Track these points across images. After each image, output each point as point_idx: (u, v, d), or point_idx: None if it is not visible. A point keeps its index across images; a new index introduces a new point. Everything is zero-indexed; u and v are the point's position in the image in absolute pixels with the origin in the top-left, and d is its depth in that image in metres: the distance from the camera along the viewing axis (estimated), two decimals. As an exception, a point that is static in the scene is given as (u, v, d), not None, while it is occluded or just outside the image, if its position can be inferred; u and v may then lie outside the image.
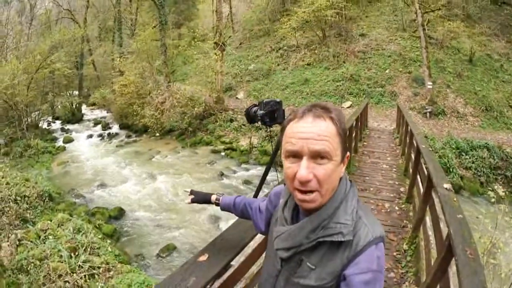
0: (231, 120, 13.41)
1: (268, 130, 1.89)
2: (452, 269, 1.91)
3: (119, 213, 7.71)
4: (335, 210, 0.76)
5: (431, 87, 12.84)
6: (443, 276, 2.03)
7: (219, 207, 1.34)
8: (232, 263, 1.46)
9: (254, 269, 1.88)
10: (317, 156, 0.72)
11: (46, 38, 20.97)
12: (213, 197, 1.33)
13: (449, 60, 14.87)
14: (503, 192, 9.22)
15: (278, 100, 1.88)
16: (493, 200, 6.23)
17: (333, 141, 0.72)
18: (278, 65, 16.92)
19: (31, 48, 20.48)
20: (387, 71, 14.74)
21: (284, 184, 0.96)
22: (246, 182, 9.87)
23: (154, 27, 16.38)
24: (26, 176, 8.44)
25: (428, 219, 3.21)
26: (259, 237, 1.80)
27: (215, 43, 13.57)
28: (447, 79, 13.92)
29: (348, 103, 13.73)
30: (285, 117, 1.95)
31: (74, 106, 22.25)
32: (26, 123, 14.58)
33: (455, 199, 2.39)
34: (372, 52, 15.70)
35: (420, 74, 13.87)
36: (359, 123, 7.48)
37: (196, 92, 14.23)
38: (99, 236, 5.79)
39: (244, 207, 1.24)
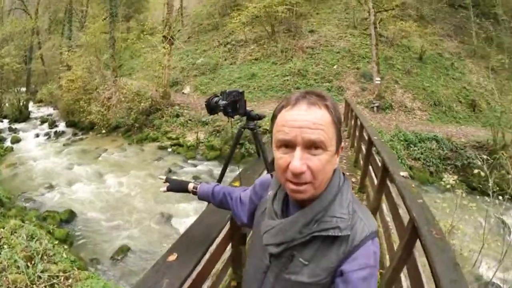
0: (178, 115, 13.10)
1: (229, 120, 1.83)
2: (418, 251, 1.97)
3: (70, 216, 7.48)
4: (329, 203, 0.72)
5: (379, 82, 13.10)
6: (409, 258, 2.09)
7: (196, 197, 1.27)
8: (200, 260, 1.46)
9: (219, 266, 1.86)
10: (312, 146, 0.67)
11: (-5, 30, 19.54)
12: (190, 186, 1.26)
13: (399, 57, 15.35)
14: (453, 181, 10.17)
15: (240, 90, 1.90)
16: (448, 187, 6.74)
17: (328, 130, 0.68)
18: (225, 59, 16.70)
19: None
20: (335, 67, 14.96)
21: (271, 175, 0.94)
22: (195, 177, 9.84)
23: (104, 19, 15.73)
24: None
25: (384, 206, 3.30)
26: (223, 233, 1.76)
27: (163, 36, 13.18)
28: (395, 75, 14.33)
29: (294, 98, 13.73)
30: (246, 108, 1.96)
31: (21, 104, 20.86)
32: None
33: (413, 185, 2.46)
34: (321, 48, 15.88)
35: (369, 70, 14.14)
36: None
37: (143, 87, 13.73)
38: (53, 242, 5.55)
39: (224, 197, 1.16)
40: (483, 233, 4.70)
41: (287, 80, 14.55)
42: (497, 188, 5.14)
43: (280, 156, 0.70)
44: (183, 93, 14.80)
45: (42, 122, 18.27)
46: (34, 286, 3.98)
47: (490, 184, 5.20)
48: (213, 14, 19.11)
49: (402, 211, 2.45)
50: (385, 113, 12.87)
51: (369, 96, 13.53)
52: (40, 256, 4.56)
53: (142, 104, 13.34)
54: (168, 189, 1.30)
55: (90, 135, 14.79)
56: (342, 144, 0.75)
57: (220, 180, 2.16)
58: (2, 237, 4.90)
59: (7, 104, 21.42)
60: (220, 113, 1.81)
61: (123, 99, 13.95)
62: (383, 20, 15.42)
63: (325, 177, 0.70)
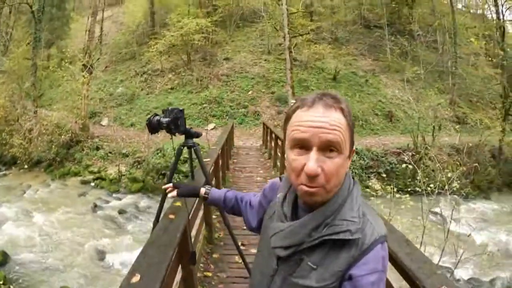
0: (98, 148, 12.94)
1: (171, 138, 1.88)
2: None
3: (4, 258, 7.17)
4: (339, 207, 0.71)
5: None
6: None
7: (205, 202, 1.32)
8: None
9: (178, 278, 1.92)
10: (327, 148, 0.67)
11: None
12: (202, 191, 1.27)
13: (313, 79, 16.13)
14: (380, 187, 10.56)
15: (181, 108, 1.96)
16: (376, 193, 7.28)
17: (344, 132, 0.68)
18: (142, 89, 16.59)
19: None
20: (249, 92, 15.44)
21: (280, 179, 0.94)
22: (121, 212, 9.72)
23: (28, 43, 14.86)
24: None
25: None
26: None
27: (83, 65, 12.60)
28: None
29: (211, 125, 14.00)
30: (186, 126, 2.03)
31: None
32: None
33: None
34: (236, 75, 16.33)
35: (284, 94, 14.71)
36: (227, 142, 7.78)
37: (62, 118, 13.36)
38: None
39: (236, 202, 1.16)
40: (422, 218, 5.20)
41: (204, 108, 14.80)
42: (424, 184, 5.56)
43: (294, 158, 0.70)
44: (101, 124, 14.23)
45: None
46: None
47: (419, 177, 5.67)
48: (131, 43, 19.02)
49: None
50: None
51: (284, 119, 14.05)
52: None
53: (62, 136, 13.04)
54: (179, 194, 1.36)
55: (13, 170, 14.05)
56: (354, 147, 0.75)
57: (158, 216, 2.07)
58: None
59: None
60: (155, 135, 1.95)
61: (44, 131, 13.48)
62: (298, 44, 16.25)
63: (337, 181, 0.70)
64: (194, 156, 2.27)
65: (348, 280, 0.67)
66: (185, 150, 2.21)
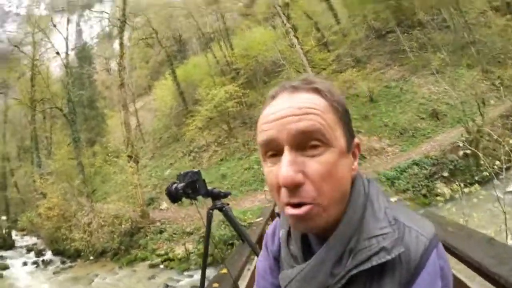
0: (161, 231, 13.10)
1: (193, 203, 1.68)
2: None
3: None
4: (359, 222, 0.51)
5: None
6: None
7: None
8: None
9: None
10: (305, 142, 0.48)
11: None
12: None
13: (352, 108, 15.75)
14: (447, 190, 9.60)
15: (195, 170, 1.77)
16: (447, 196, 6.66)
17: (325, 115, 0.49)
18: (193, 168, 16.89)
19: None
20: None
21: (278, 215, 0.68)
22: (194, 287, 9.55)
23: (69, 144, 16.01)
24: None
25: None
26: None
27: (128, 156, 13.54)
28: (356, 125, 14.61)
29: (269, 187, 14.03)
30: (207, 188, 1.82)
31: (4, 232, 20.61)
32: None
33: (407, 204, 2.44)
34: None
35: None
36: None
37: (120, 209, 13.84)
38: None
39: None
40: (499, 204, 4.35)
41: (258, 169, 14.63)
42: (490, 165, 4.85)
43: (268, 170, 0.52)
44: (160, 209, 14.92)
45: (28, 250, 18.05)
46: None
47: (482, 160, 4.98)
48: (170, 126, 19.68)
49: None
50: (359, 165, 13.19)
51: (338, 153, 14.16)
52: None
53: (123, 226, 13.36)
54: None
55: (78, 262, 14.50)
56: (357, 140, 0.56)
57: (203, 281, 1.90)
58: None
59: (-12, 232, 20.99)
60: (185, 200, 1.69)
61: (103, 223, 13.96)
62: (326, 79, 16.47)
63: (335, 189, 0.50)
64: None
65: None
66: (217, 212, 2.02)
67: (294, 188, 0.48)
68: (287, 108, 0.50)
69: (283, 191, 0.49)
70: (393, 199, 2.82)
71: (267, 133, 0.51)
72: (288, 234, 0.61)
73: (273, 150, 0.51)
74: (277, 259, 0.67)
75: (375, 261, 0.48)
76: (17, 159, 26.09)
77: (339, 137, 0.51)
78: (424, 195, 10.15)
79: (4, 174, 23.80)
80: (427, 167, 10.77)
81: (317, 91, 0.52)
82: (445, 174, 10.45)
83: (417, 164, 10.79)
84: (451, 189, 9.52)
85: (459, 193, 5.82)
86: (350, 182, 0.54)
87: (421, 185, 10.39)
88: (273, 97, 0.55)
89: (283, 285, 0.57)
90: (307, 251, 0.57)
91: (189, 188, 1.67)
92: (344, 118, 0.54)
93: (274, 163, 0.51)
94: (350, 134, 0.54)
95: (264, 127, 0.52)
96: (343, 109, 0.54)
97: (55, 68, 22.80)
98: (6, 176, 23.96)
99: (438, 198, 8.65)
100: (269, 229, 0.72)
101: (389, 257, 0.48)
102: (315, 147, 0.49)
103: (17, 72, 21.24)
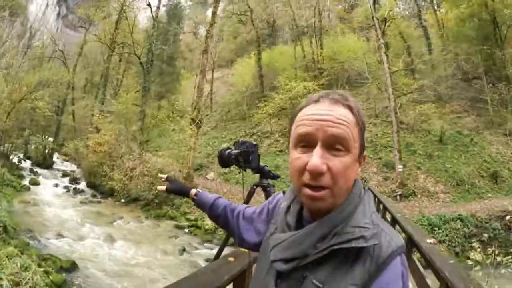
0: None
1: (241, 172, 1.62)
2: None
3: (72, 266, 7.50)
4: (350, 214, 0.64)
5: (401, 170, 13.15)
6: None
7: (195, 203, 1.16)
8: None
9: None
10: (333, 144, 0.62)
11: (36, 72, 21.09)
12: (193, 191, 1.15)
13: (420, 142, 15.42)
14: (481, 257, 9.87)
15: (254, 143, 1.76)
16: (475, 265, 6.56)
17: (352, 129, 0.63)
18: None
19: (20, 76, 20.44)
20: None
21: (283, 192, 0.86)
22: (208, 260, 9.44)
23: (137, 91, 16.79)
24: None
25: (411, 285, 3.23)
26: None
27: (192, 119, 13.90)
28: (417, 161, 14.34)
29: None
30: (259, 163, 1.79)
31: (46, 151, 21.83)
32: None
33: (442, 250, 2.52)
34: None
35: (391, 159, 14.24)
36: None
37: (167, 165, 14.10)
38: (46, 281, 5.66)
39: (224, 211, 1.03)
40: None
41: None
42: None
43: (297, 156, 0.64)
44: (206, 178, 15.13)
45: (64, 175, 18.99)
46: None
47: None
48: (241, 104, 19.93)
49: (431, 282, 2.36)
50: (408, 201, 12.80)
51: (391, 185, 13.57)
52: (28, 286, 4.60)
53: None
54: (168, 190, 1.20)
55: (108, 201, 15.03)
56: (365, 153, 0.70)
57: (218, 255, 1.88)
58: (-3, 256, 4.97)
59: (33, 147, 22.45)
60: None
61: (146, 172, 14.32)
62: (403, 106, 15.75)
63: (345, 184, 0.63)
64: None
65: None
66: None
67: (317, 175, 0.61)
68: (327, 115, 0.63)
69: (306, 174, 0.62)
70: (429, 241, 2.94)
71: (307, 128, 0.63)
72: (288, 207, 0.75)
73: (306, 142, 0.63)
74: (268, 220, 0.87)
75: (354, 244, 0.59)
76: (82, 90, 27.81)
77: (356, 147, 0.64)
78: (457, 253, 10.03)
79: (65, 100, 25.42)
80: (470, 226, 10.66)
81: (350, 108, 0.65)
82: (484, 238, 10.32)
83: (461, 220, 10.64)
84: (485, 255, 9.56)
85: (491, 259, 5.99)
86: (353, 181, 0.67)
87: (458, 242, 10.31)
88: (316, 101, 0.66)
89: (272, 245, 0.71)
90: (299, 225, 0.71)
91: (242, 157, 1.61)
92: (363, 134, 0.67)
93: (304, 152, 0.63)
94: (363, 147, 0.68)
95: (306, 123, 0.64)
96: (364, 127, 0.67)
97: (143, 19, 24.13)
98: (66, 103, 25.59)
99: (470, 262, 8.34)
100: (273, 196, 0.93)
101: (365, 244, 0.59)
102: (338, 149, 0.62)
103: (104, 12, 22.29)
